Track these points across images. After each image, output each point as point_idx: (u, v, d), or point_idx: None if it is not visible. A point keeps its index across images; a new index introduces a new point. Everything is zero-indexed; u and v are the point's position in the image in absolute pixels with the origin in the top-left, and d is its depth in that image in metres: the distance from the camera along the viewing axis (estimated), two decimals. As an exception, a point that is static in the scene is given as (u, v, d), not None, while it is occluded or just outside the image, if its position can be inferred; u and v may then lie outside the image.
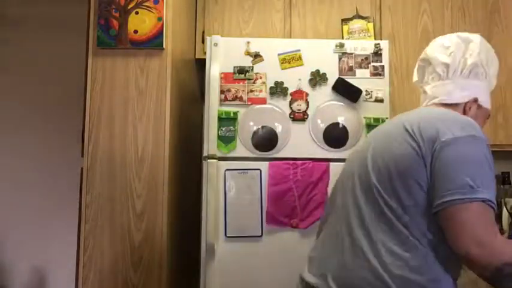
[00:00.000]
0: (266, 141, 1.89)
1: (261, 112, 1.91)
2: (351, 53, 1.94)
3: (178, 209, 2.06)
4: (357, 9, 2.28)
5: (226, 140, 1.88)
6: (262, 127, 1.90)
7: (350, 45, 1.95)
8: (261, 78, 1.92)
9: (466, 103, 1.09)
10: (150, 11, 1.87)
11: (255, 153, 1.89)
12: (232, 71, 1.92)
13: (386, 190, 0.98)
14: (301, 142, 1.89)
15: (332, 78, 1.92)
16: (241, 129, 1.89)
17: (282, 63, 1.93)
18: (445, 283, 0.96)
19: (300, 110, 1.91)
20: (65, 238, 2.60)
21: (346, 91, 1.91)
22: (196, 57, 2.40)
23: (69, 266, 2.46)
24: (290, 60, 1.93)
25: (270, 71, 1.92)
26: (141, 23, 1.87)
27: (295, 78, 1.92)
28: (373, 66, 1.93)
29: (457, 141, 0.93)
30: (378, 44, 1.95)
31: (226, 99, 1.90)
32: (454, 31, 2.33)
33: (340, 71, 1.93)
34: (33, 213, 2.72)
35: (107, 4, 1.87)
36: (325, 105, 1.91)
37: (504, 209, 2.20)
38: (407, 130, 0.99)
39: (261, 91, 1.91)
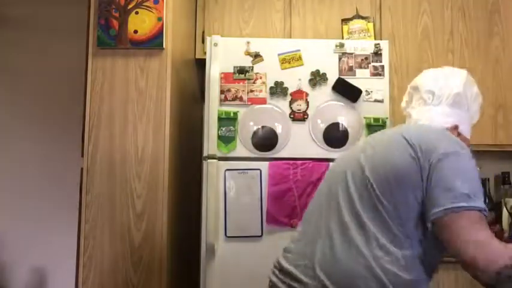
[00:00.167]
0: (266, 141, 1.89)
1: (261, 112, 1.91)
2: (351, 53, 1.94)
3: (178, 209, 2.06)
4: (357, 9, 2.28)
5: (226, 140, 1.88)
6: (262, 127, 1.90)
7: (350, 45, 1.95)
8: (261, 78, 1.92)
9: (446, 128, 1.15)
10: (150, 11, 1.87)
11: (255, 153, 1.89)
12: (232, 71, 1.92)
13: (385, 193, 1.03)
14: (301, 142, 1.89)
15: (332, 78, 1.92)
16: (241, 129, 1.89)
17: (282, 63, 1.93)
18: (424, 284, 1.04)
19: (300, 110, 1.91)
20: (65, 238, 2.60)
21: (346, 91, 1.91)
22: (196, 57, 2.40)
23: (69, 266, 2.46)
24: (290, 60, 1.93)
25: (270, 71, 1.92)
26: (141, 23, 1.87)
27: (295, 78, 1.92)
28: (373, 66, 1.93)
29: (453, 154, 1.01)
30: (378, 44, 1.95)
31: (226, 99, 1.90)
32: (454, 31, 2.36)
33: (340, 71, 1.93)
34: (33, 213, 2.72)
35: (107, 4, 1.87)
36: (325, 105, 1.91)
37: (504, 209, 2.20)
38: (407, 141, 1.05)
39: (261, 91, 1.91)
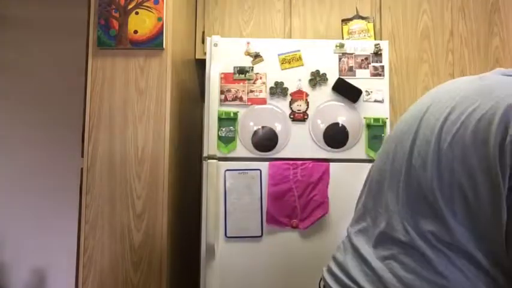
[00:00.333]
0: (266, 141, 1.89)
1: (261, 112, 1.91)
2: (351, 53, 1.94)
3: (178, 209, 2.06)
4: (357, 9, 2.28)
5: (226, 140, 1.88)
6: (262, 127, 1.90)
7: (350, 46, 1.95)
8: (261, 78, 1.92)
9: None
10: (150, 11, 1.87)
11: (255, 154, 1.89)
12: (232, 71, 1.92)
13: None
14: (301, 142, 1.89)
15: (332, 79, 1.92)
16: (241, 130, 1.89)
17: (282, 63, 1.93)
18: None
19: (300, 110, 1.91)
20: (65, 238, 2.60)
21: (346, 91, 1.91)
22: (196, 57, 2.40)
23: (69, 266, 2.46)
24: (290, 60, 1.93)
25: (270, 71, 1.92)
26: (141, 23, 1.87)
27: (295, 79, 1.92)
28: (373, 66, 1.93)
29: None
30: (378, 44, 1.95)
31: (226, 99, 1.90)
32: (454, 31, 2.37)
33: (340, 71, 1.93)
34: (33, 214, 2.72)
35: (107, 4, 1.87)
36: (325, 106, 1.91)
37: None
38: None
39: (261, 91, 1.91)
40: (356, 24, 2.21)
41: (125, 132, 1.85)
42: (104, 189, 1.83)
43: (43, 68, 2.80)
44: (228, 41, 1.96)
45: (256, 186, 1.86)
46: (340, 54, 1.94)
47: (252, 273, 1.84)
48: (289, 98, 1.91)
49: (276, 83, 1.91)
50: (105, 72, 1.87)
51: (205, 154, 1.88)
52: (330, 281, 0.87)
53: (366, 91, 1.91)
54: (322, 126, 1.90)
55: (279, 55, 1.93)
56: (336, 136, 1.89)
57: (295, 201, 1.84)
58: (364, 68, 1.93)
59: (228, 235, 1.84)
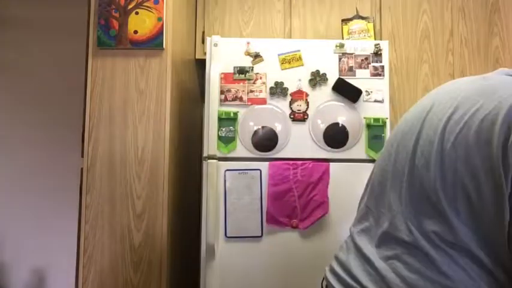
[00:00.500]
0: (266, 141, 1.89)
1: (261, 112, 1.91)
2: (351, 53, 1.94)
3: (178, 209, 2.06)
4: (357, 9, 2.28)
5: (226, 140, 1.88)
6: (262, 127, 1.90)
7: (350, 46, 1.95)
8: (261, 78, 1.92)
9: None
10: (150, 11, 1.87)
11: (255, 154, 1.89)
12: (232, 71, 1.92)
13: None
14: (301, 142, 1.89)
15: (332, 79, 1.92)
16: (241, 130, 1.89)
17: (282, 63, 1.93)
18: None
19: (300, 110, 1.91)
20: (65, 238, 2.60)
21: (346, 91, 1.91)
22: (196, 57, 2.40)
23: (69, 266, 2.46)
24: (290, 60, 1.93)
25: (270, 71, 1.92)
26: (141, 23, 1.87)
27: (295, 79, 1.92)
28: (373, 66, 1.93)
29: None
30: (378, 44, 1.95)
31: (226, 99, 1.90)
32: (454, 31, 2.37)
33: (340, 71, 1.93)
34: (33, 214, 2.72)
35: (107, 4, 1.87)
36: (325, 106, 1.91)
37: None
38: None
39: (261, 91, 1.91)
40: (356, 24, 2.21)
41: (125, 132, 1.85)
42: (104, 189, 1.83)
43: (43, 68, 2.80)
44: (228, 41, 1.96)
45: (256, 186, 1.86)
46: (340, 54, 1.94)
47: (252, 273, 1.84)
48: (289, 98, 1.91)
49: (276, 83, 1.91)
50: (105, 72, 1.87)
51: (205, 154, 1.88)
52: (332, 280, 0.87)
53: (366, 91, 1.91)
54: (322, 126, 1.90)
55: (279, 55, 1.93)
56: (336, 136, 1.89)
57: (295, 201, 1.84)
58: (364, 68, 1.93)
59: (228, 235, 1.84)
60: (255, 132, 1.89)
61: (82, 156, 1.89)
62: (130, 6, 1.87)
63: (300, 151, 1.89)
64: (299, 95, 1.91)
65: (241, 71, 1.92)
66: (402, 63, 2.32)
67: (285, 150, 1.89)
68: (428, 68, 2.31)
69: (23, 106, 2.79)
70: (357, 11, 2.26)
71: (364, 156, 1.89)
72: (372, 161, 1.87)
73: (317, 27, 2.37)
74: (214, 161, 1.85)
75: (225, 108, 1.90)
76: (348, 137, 1.89)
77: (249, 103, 1.91)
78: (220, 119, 1.88)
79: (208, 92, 1.90)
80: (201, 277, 1.85)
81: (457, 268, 0.68)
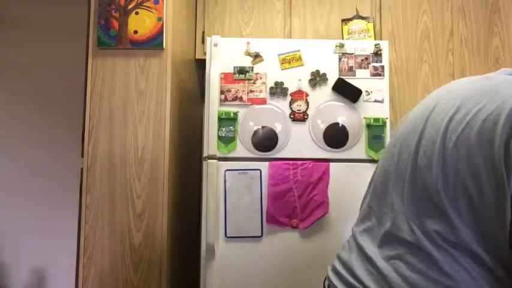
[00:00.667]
0: (266, 141, 1.89)
1: (261, 112, 1.91)
2: (351, 53, 1.94)
3: (178, 209, 2.06)
4: (357, 9, 2.28)
5: (226, 140, 1.88)
6: (262, 127, 1.90)
7: (350, 46, 1.95)
8: (261, 78, 1.92)
9: None
10: (150, 11, 1.87)
11: (255, 154, 1.89)
12: (232, 71, 1.92)
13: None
14: (301, 142, 1.89)
15: (332, 79, 1.92)
16: (241, 130, 1.89)
17: (282, 63, 1.93)
18: None
19: (300, 110, 1.91)
20: (65, 238, 2.60)
21: (346, 91, 1.91)
22: (196, 57, 2.40)
23: (69, 266, 2.46)
24: (290, 60, 1.93)
25: (270, 71, 1.92)
26: (141, 23, 1.87)
27: (295, 79, 1.92)
28: (373, 66, 1.93)
29: None
30: (378, 44, 1.95)
31: (226, 99, 1.90)
32: (454, 31, 2.37)
33: (340, 71, 1.93)
34: (33, 214, 2.72)
35: (107, 4, 1.87)
36: (325, 106, 1.91)
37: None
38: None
39: (261, 91, 1.91)
40: (356, 24, 2.21)
41: (125, 132, 1.85)
42: (104, 189, 1.83)
43: (43, 68, 2.80)
44: (228, 41, 1.96)
45: (256, 186, 1.86)
46: (340, 54, 1.94)
47: (252, 273, 1.84)
48: (289, 98, 1.91)
49: (276, 83, 1.91)
50: (105, 72, 1.87)
51: (205, 154, 1.88)
52: (334, 280, 0.87)
53: (366, 91, 1.91)
54: (322, 126, 1.90)
55: (279, 55, 1.93)
56: (336, 136, 1.89)
57: (295, 201, 1.84)
58: (364, 68, 1.93)
59: (228, 235, 1.84)
60: (255, 132, 1.89)
61: (82, 156, 1.89)
62: (130, 6, 1.87)
63: (300, 151, 1.89)
64: (299, 95, 1.91)
65: (241, 71, 1.92)
66: (402, 63, 2.32)
67: (285, 150, 1.89)
68: (428, 68, 2.31)
69: (23, 106, 2.79)
70: (357, 11, 2.26)
71: (364, 156, 1.89)
72: (372, 161, 1.87)
73: (317, 27, 2.37)
74: (214, 161, 1.85)
75: (225, 108, 1.90)
76: (348, 137, 1.89)
77: (249, 103, 1.91)
78: (220, 119, 1.88)
79: (208, 92, 1.90)
80: (201, 277, 1.85)
81: (458, 268, 0.69)
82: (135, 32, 1.87)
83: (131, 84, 1.87)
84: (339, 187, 1.85)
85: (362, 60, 1.94)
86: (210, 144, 1.87)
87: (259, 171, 1.86)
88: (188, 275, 2.24)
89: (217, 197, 1.84)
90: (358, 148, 1.89)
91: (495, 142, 0.65)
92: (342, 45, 1.95)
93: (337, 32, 2.30)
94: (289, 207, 1.84)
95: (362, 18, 2.23)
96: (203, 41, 2.34)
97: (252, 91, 1.91)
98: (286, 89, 1.91)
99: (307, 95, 1.91)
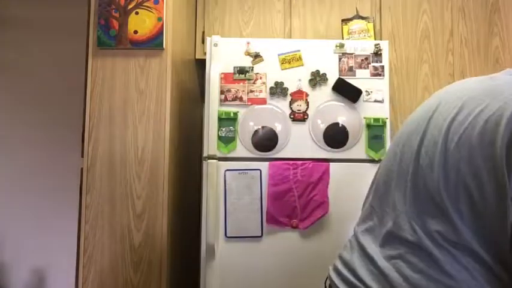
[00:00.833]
0: (266, 141, 1.89)
1: (261, 112, 1.91)
2: (351, 53, 1.94)
3: (178, 209, 2.06)
4: (357, 9, 2.28)
5: (226, 140, 1.88)
6: (262, 127, 1.90)
7: (350, 46, 1.95)
8: (261, 78, 1.92)
9: None
10: (150, 11, 1.87)
11: (255, 154, 1.89)
12: (232, 71, 1.92)
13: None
14: (301, 142, 1.89)
15: (332, 79, 1.92)
16: (241, 130, 1.89)
17: (282, 63, 1.93)
18: None
19: (300, 110, 1.91)
20: (65, 238, 2.60)
21: (346, 91, 1.91)
22: (196, 57, 2.40)
23: (69, 266, 2.46)
24: (290, 60, 1.93)
25: (270, 71, 1.92)
26: (141, 23, 1.87)
27: (295, 79, 1.92)
28: (373, 66, 1.93)
29: None
30: (378, 44, 1.95)
31: (226, 99, 1.90)
32: (454, 31, 2.37)
33: (340, 71, 1.93)
34: (33, 214, 2.72)
35: (107, 4, 1.87)
36: (325, 106, 1.91)
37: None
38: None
39: (261, 91, 1.91)
40: (356, 24, 2.21)
41: (125, 132, 1.85)
42: (104, 189, 1.83)
43: (43, 68, 2.80)
44: (228, 41, 1.96)
45: (256, 186, 1.86)
46: (340, 54, 1.94)
47: (252, 273, 1.84)
48: (289, 98, 1.91)
49: (276, 83, 1.91)
50: (105, 72, 1.87)
51: (205, 154, 1.88)
52: (336, 279, 0.88)
53: (366, 91, 1.91)
54: (322, 126, 1.90)
55: (279, 55, 1.94)
56: (336, 136, 1.89)
57: (295, 201, 1.84)
58: (364, 68, 1.93)
59: (228, 235, 1.84)
60: (255, 132, 1.89)
61: (82, 156, 1.89)
62: (130, 6, 1.87)
63: (300, 151, 1.89)
64: (299, 95, 1.91)
65: (241, 71, 1.92)
66: (402, 63, 2.32)
67: (285, 150, 1.89)
68: (428, 68, 2.31)
69: (23, 106, 2.79)
70: (357, 11, 2.26)
71: (364, 156, 1.89)
72: (372, 161, 1.87)
73: (317, 27, 2.37)
74: (214, 161, 1.85)
75: (225, 108, 1.90)
76: (348, 137, 1.89)
77: (249, 103, 1.91)
78: (220, 119, 1.88)
79: (208, 92, 1.90)
80: (201, 277, 1.85)
81: (459, 268, 0.69)
82: (135, 32, 1.87)
83: (131, 84, 1.87)
84: (339, 187, 1.85)
85: (362, 60, 1.94)
86: (210, 144, 1.87)
87: (259, 171, 1.86)
88: (188, 275, 2.24)
89: (217, 197, 1.84)
90: (358, 148, 1.89)
91: (497, 143, 0.65)
92: (342, 45, 1.95)
93: (337, 32, 2.30)
94: (289, 207, 1.84)
95: (362, 18, 2.23)
96: (203, 41, 2.34)
97: (252, 91, 1.91)
98: (286, 89, 1.91)
99: (307, 95, 1.91)
